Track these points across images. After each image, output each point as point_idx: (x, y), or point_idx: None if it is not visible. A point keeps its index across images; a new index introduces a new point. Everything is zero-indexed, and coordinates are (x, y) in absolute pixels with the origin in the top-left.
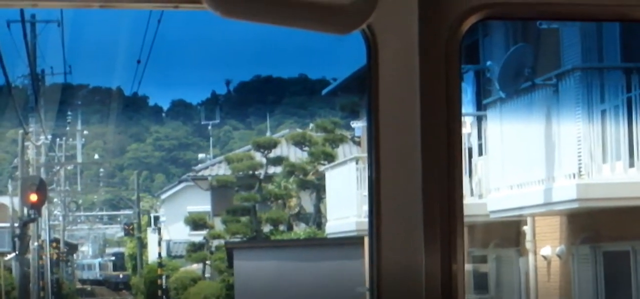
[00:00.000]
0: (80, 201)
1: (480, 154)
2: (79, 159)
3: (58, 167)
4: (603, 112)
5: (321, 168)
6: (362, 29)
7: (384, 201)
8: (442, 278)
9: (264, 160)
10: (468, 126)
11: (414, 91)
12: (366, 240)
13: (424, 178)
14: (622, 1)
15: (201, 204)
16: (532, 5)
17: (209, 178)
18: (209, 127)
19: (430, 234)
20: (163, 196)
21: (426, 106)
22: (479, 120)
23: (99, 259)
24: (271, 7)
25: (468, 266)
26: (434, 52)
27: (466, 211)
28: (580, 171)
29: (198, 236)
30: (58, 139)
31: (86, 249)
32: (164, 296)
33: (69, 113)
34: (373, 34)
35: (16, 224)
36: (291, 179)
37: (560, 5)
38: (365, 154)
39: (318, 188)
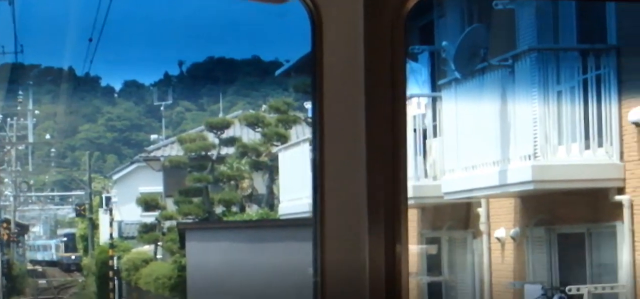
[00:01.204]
0: (31, 182)
1: (435, 135)
2: (30, 140)
3: (9, 148)
4: (559, 93)
5: (274, 149)
6: (308, 7)
7: (327, 183)
8: (386, 259)
9: (216, 141)
10: (423, 107)
11: (359, 72)
12: None
13: (369, 160)
14: None
15: (153, 185)
16: None
17: (162, 159)
18: (162, 108)
19: (374, 216)
20: (115, 177)
21: (371, 88)
22: (434, 101)
23: (56, 240)
24: None
25: (421, 247)
26: (378, 33)
27: (420, 192)
28: (535, 153)
29: (150, 217)
30: (9, 119)
31: (38, 229)
32: (115, 277)
33: (20, 93)
34: (318, 13)
35: None
36: (244, 160)
37: None
38: None
39: (271, 169)
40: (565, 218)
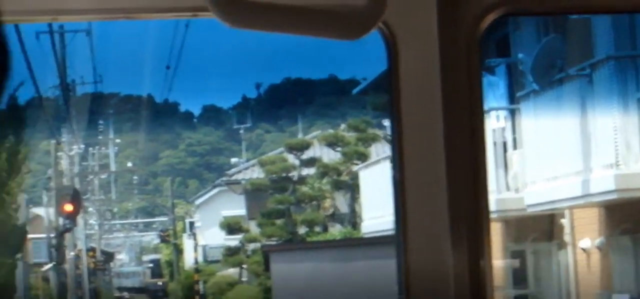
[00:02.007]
0: (115, 210)
1: (515, 148)
2: (113, 168)
3: (92, 177)
4: (639, 100)
5: (354, 168)
6: (382, 30)
7: (409, 201)
8: (470, 275)
9: (297, 162)
10: (501, 120)
11: (436, 90)
12: None
13: (449, 177)
14: None
15: (236, 208)
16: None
17: (243, 182)
18: (241, 131)
19: (456, 232)
20: (197, 202)
21: (448, 105)
22: (513, 113)
23: (142, 267)
24: (278, 16)
25: (506, 261)
26: (454, 51)
27: (502, 206)
28: (617, 161)
29: (234, 240)
30: (91, 149)
31: (123, 257)
32: None
33: (101, 122)
34: (392, 35)
35: (52, 235)
36: (325, 180)
37: None
38: None
39: (352, 188)
40: None
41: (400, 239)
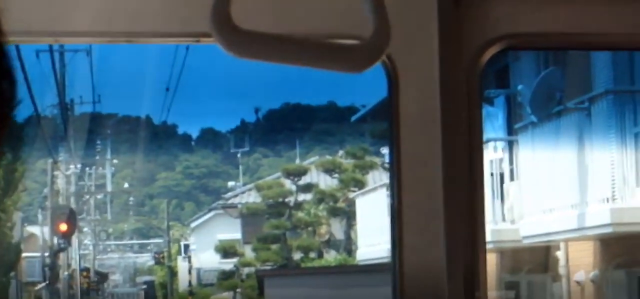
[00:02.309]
0: (110, 230)
1: (512, 179)
2: (109, 188)
3: (88, 197)
4: (636, 135)
5: (351, 195)
6: (383, 60)
7: (405, 229)
8: None
9: (293, 187)
10: (499, 151)
11: (435, 123)
12: None
13: (446, 207)
14: (624, 30)
15: (231, 232)
16: (549, 35)
17: (239, 206)
18: (239, 155)
19: (452, 262)
20: (193, 224)
21: (447, 136)
22: (510, 145)
23: (136, 288)
24: (282, 48)
25: (500, 293)
26: (454, 84)
27: (498, 236)
28: (613, 195)
29: (229, 264)
30: (87, 169)
31: (117, 278)
32: None
33: (99, 142)
34: (393, 66)
35: (46, 254)
36: (321, 206)
37: (576, 35)
38: None
39: (348, 215)
40: None
41: (395, 267)
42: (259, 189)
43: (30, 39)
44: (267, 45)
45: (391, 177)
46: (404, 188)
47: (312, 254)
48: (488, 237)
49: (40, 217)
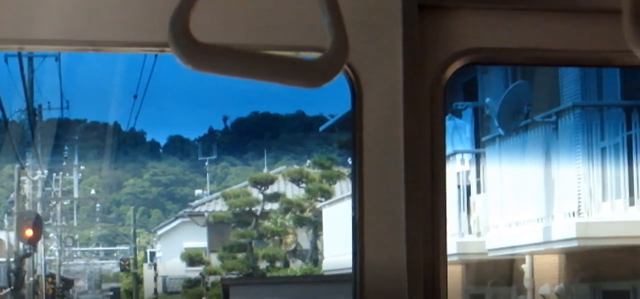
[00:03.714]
0: (76, 237)
1: (479, 191)
2: (76, 195)
3: (54, 203)
4: (603, 149)
5: (318, 205)
6: (346, 72)
7: (367, 243)
8: None
9: (260, 196)
10: (466, 164)
11: (398, 133)
12: None
13: (408, 221)
14: (588, 47)
15: (197, 240)
16: (514, 50)
17: (206, 214)
18: (206, 163)
19: (414, 276)
20: (160, 232)
21: (410, 148)
22: (477, 157)
23: (101, 295)
24: (240, 62)
25: None
26: (418, 95)
27: (464, 249)
28: (579, 209)
29: (194, 272)
30: (54, 174)
31: (82, 284)
32: None
33: (66, 148)
34: (357, 78)
35: (12, 259)
36: (288, 216)
37: (540, 51)
38: None
39: (315, 225)
40: (610, 275)
41: (356, 278)
42: (225, 197)
43: None
44: (225, 59)
45: (353, 189)
46: (366, 199)
47: (278, 264)
48: (454, 249)
49: (6, 222)
